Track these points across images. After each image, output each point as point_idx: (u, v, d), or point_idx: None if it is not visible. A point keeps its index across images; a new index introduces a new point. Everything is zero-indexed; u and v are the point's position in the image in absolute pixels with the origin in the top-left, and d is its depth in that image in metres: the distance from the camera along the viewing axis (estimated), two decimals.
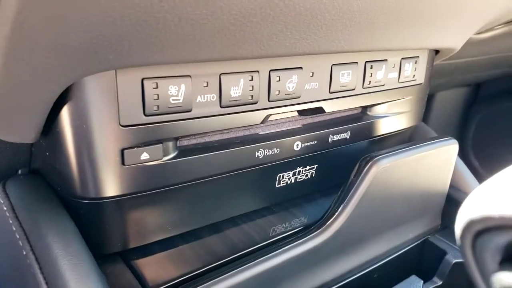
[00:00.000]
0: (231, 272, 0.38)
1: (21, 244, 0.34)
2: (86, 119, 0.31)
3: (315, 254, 0.43)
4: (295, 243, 0.41)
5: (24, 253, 0.34)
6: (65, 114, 0.32)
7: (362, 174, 0.42)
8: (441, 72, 0.80)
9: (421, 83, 0.54)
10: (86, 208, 0.36)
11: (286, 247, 0.41)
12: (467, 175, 0.59)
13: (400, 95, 0.52)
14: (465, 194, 0.63)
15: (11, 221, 0.36)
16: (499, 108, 1.46)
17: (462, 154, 1.50)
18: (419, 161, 0.47)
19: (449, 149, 0.49)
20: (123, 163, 0.34)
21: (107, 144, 0.33)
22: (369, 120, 0.50)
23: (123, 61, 0.29)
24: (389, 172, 0.44)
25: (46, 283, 0.33)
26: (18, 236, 0.35)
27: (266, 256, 0.40)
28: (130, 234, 0.39)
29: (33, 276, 0.33)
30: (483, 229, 0.16)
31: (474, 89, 1.53)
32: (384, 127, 0.52)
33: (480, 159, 1.44)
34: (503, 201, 0.15)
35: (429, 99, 1.35)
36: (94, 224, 0.37)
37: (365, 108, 0.50)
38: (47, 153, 0.37)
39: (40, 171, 0.41)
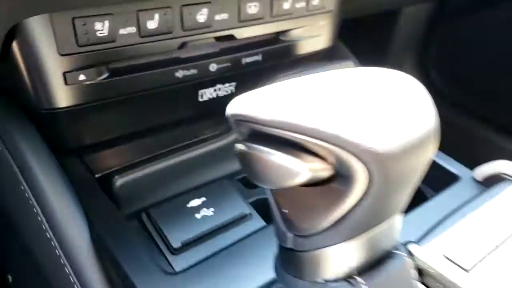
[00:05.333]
0: (158, 160, 0.51)
1: None
2: (32, 51, 0.42)
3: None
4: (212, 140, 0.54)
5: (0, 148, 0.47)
6: (16, 47, 0.42)
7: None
8: None
9: (331, 10, 0.63)
10: (44, 116, 0.48)
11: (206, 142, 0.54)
12: None
13: (310, 21, 0.62)
14: None
15: None
16: (463, 24, 1.52)
17: (425, 70, 1.58)
18: None
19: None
20: (66, 83, 0.45)
21: (51, 69, 0.44)
22: (280, 44, 0.60)
23: (53, 6, 0.39)
24: None
25: (19, 170, 0.46)
26: None
27: (187, 149, 0.53)
28: (81, 135, 0.51)
29: (7, 165, 0.46)
30: (238, 119, 0.27)
31: (440, 5, 1.58)
32: (295, 50, 0.62)
33: (443, 75, 1.52)
34: (253, 104, 0.27)
35: (395, 15, 1.41)
36: (52, 128, 0.50)
37: (277, 34, 0.60)
38: (10, 75, 0.48)
39: (8, 90, 0.52)
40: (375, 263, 0.29)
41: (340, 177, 0.25)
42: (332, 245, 0.28)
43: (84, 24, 0.43)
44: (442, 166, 0.57)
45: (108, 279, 0.43)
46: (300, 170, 0.24)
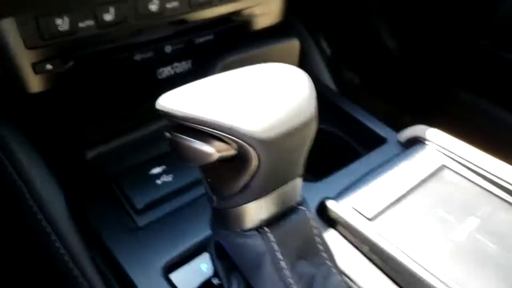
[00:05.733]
0: (124, 134, 0.60)
1: None
2: (3, 46, 0.49)
3: None
4: None
5: None
6: None
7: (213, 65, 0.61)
8: None
9: None
10: (22, 101, 0.55)
11: None
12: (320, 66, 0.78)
13: (256, 2, 0.68)
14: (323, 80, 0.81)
15: None
16: None
17: (376, 37, 1.62)
18: (264, 57, 0.65)
19: (290, 46, 0.66)
20: (35, 72, 0.52)
21: (22, 60, 0.51)
22: (230, 23, 0.66)
23: (19, 10, 0.46)
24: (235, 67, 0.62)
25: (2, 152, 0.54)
26: None
27: (150, 124, 0.62)
28: (55, 116, 0.58)
29: None
30: (162, 114, 0.35)
31: None
32: (245, 28, 0.68)
33: (398, 39, 1.57)
34: (172, 102, 0.34)
35: None
36: (31, 111, 0.57)
37: (226, 15, 0.66)
38: None
39: None
40: (280, 216, 0.38)
41: (240, 156, 0.33)
42: (245, 203, 0.37)
43: (47, 21, 0.49)
44: (373, 129, 0.66)
45: (82, 235, 0.52)
46: (210, 152, 0.33)
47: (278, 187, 0.37)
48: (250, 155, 0.32)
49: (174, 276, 0.47)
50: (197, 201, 0.54)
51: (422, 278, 0.43)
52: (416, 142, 0.61)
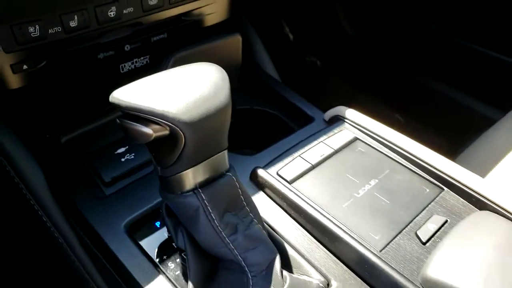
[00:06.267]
0: (92, 121, 0.71)
1: None
2: None
3: None
4: None
5: None
6: None
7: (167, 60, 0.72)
8: None
9: None
10: (11, 94, 0.65)
11: None
12: (264, 57, 0.89)
13: (204, 3, 0.78)
14: (266, 69, 0.93)
15: None
16: None
17: (335, 22, 1.72)
18: (211, 51, 0.76)
19: (233, 40, 0.77)
20: (13, 72, 0.62)
21: (1, 63, 0.61)
22: (181, 23, 0.77)
23: None
24: (186, 60, 0.73)
25: None
26: None
27: (113, 112, 0.72)
28: (33, 107, 0.69)
29: None
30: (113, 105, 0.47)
31: None
32: (194, 26, 0.79)
33: (356, 25, 1.68)
34: (119, 95, 0.46)
35: None
36: (13, 105, 0.67)
37: (177, 16, 0.77)
38: None
39: None
40: (211, 180, 0.51)
41: (172, 135, 0.45)
42: (182, 171, 0.49)
43: (20, 29, 0.59)
44: (304, 110, 0.78)
45: (60, 204, 0.63)
46: (150, 133, 0.44)
47: (206, 158, 0.49)
48: (179, 134, 0.44)
49: (134, 232, 0.59)
50: (152, 175, 0.66)
51: (326, 225, 0.56)
52: (336, 120, 0.73)
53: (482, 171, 0.81)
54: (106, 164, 0.68)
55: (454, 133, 1.35)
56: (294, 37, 1.79)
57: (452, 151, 0.94)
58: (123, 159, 0.69)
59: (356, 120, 0.71)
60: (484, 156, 0.90)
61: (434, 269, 0.49)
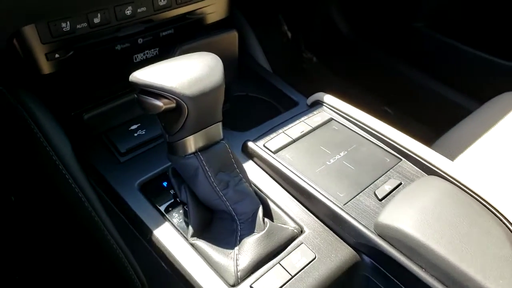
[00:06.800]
0: (111, 102, 0.84)
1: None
2: (26, 42, 0.72)
3: None
4: None
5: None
6: (16, 43, 0.72)
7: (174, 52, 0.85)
8: None
9: None
10: (45, 79, 0.78)
11: None
12: (258, 51, 1.02)
13: (206, 3, 0.91)
14: (258, 60, 1.06)
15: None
16: None
17: (332, 19, 1.84)
18: (211, 45, 0.88)
19: (230, 36, 0.90)
20: (47, 60, 0.75)
21: (38, 52, 0.74)
22: (186, 21, 0.90)
23: (37, 17, 0.69)
24: (189, 52, 0.86)
25: (29, 116, 0.78)
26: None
27: (128, 94, 0.86)
28: (63, 89, 0.82)
29: (21, 114, 0.77)
30: (132, 83, 0.60)
31: None
32: (198, 23, 0.92)
33: (351, 23, 1.79)
34: (137, 75, 0.59)
35: None
36: (46, 87, 0.81)
37: (183, 14, 0.90)
38: (17, 60, 0.77)
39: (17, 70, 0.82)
40: (208, 146, 0.64)
41: (177, 107, 0.58)
42: (185, 137, 0.62)
43: (55, 25, 0.73)
44: (290, 96, 0.91)
45: (83, 168, 0.77)
46: (160, 105, 0.57)
47: (204, 128, 0.62)
48: (183, 106, 0.57)
49: (145, 189, 0.72)
50: (160, 146, 0.79)
51: (301, 185, 0.69)
52: (317, 104, 0.86)
53: (452, 154, 0.93)
54: (122, 138, 0.81)
55: (437, 123, 1.48)
56: (292, 35, 1.92)
57: (434, 139, 1.07)
58: (135, 134, 0.82)
59: (332, 104, 0.84)
60: (456, 142, 1.03)
61: (383, 217, 0.62)
